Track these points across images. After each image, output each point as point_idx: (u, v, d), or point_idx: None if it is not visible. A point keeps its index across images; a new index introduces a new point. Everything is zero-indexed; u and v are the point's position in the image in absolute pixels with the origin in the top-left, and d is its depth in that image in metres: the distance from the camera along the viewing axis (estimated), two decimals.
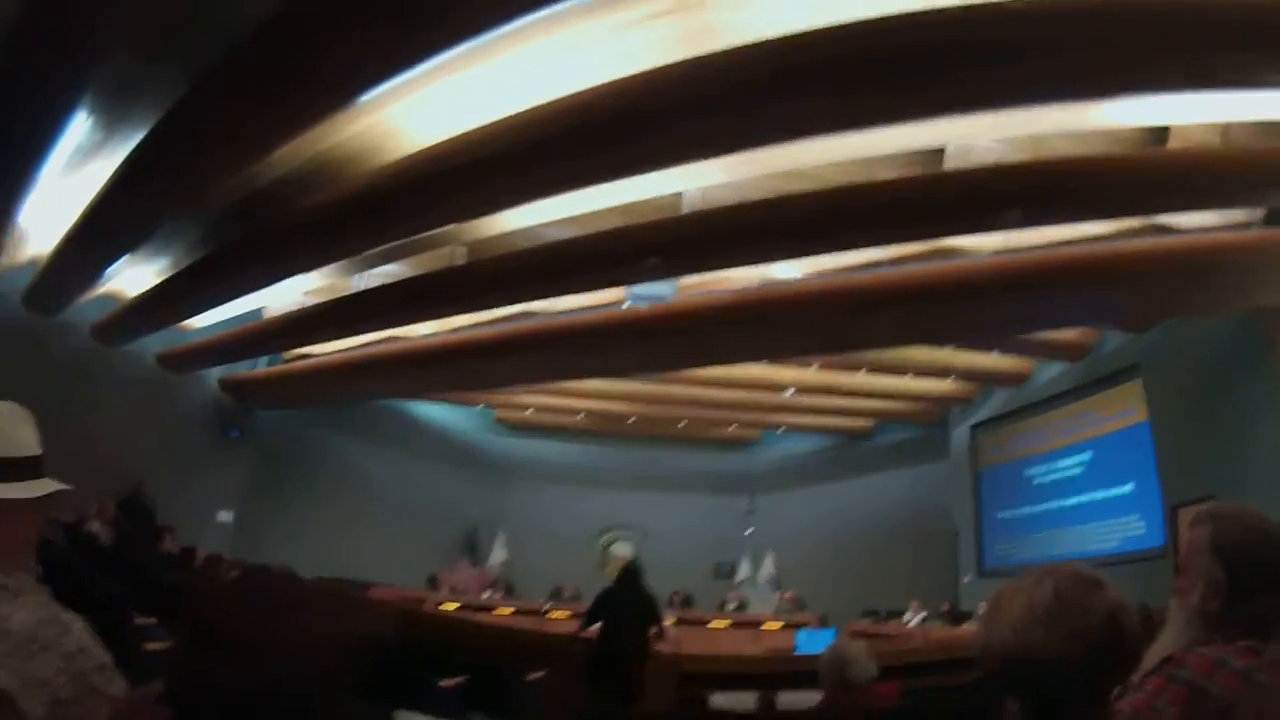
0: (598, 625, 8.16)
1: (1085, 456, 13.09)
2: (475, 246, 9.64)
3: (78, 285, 10.54)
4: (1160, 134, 7.33)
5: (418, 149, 7.17)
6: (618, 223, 8.47)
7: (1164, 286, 8.53)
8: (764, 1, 5.62)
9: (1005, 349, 13.10)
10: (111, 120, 7.06)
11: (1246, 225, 7.90)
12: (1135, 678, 1.53)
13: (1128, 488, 12.02)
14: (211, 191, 7.68)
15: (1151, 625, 1.75)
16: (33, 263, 10.36)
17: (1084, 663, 1.37)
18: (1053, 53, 5.06)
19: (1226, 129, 7.15)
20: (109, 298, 11.50)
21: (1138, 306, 9.88)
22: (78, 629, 1.59)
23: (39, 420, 1.78)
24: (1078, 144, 7.31)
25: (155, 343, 13.01)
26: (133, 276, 10.57)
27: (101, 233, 8.69)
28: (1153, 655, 1.60)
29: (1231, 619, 1.61)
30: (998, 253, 8.81)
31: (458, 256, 9.90)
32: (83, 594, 4.52)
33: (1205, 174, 6.72)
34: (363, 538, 15.76)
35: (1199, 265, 8.01)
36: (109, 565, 7.26)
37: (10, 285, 10.87)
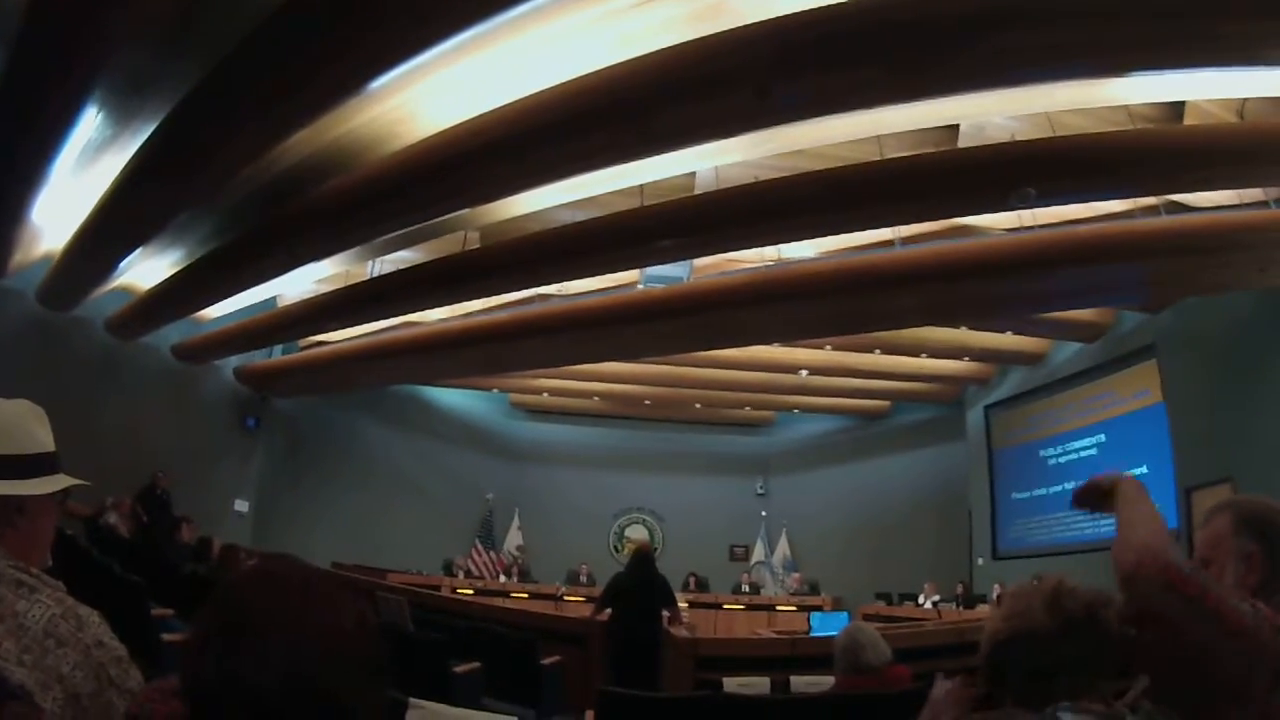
0: (611, 609, 8.14)
1: (1100, 438, 13.06)
2: (488, 231, 9.64)
3: (91, 280, 10.52)
4: (1176, 110, 7.29)
5: (430, 134, 7.19)
6: (631, 204, 8.47)
7: (1180, 265, 8.47)
8: None
9: (1021, 329, 13.06)
10: (122, 115, 7.04)
11: (1264, 204, 7.85)
12: None
13: (1142, 470, 11.92)
14: (224, 183, 7.66)
15: None
16: (46, 259, 10.37)
17: (1024, 635, 1.67)
18: (1081, 22, 5.00)
19: (1243, 105, 7.11)
20: (123, 291, 11.53)
21: (1153, 285, 9.83)
22: (94, 622, 1.58)
23: (57, 415, 1.79)
24: (1093, 120, 7.27)
25: (171, 335, 13.06)
26: (146, 269, 10.60)
27: (114, 227, 8.68)
28: None
29: (1271, 585, 1.60)
30: (1013, 230, 8.79)
31: (471, 241, 9.91)
32: (100, 586, 4.57)
33: (1222, 150, 6.65)
34: (381, 523, 15.90)
35: (1215, 244, 7.95)
36: (127, 557, 7.27)
37: (25, 283, 10.90)
